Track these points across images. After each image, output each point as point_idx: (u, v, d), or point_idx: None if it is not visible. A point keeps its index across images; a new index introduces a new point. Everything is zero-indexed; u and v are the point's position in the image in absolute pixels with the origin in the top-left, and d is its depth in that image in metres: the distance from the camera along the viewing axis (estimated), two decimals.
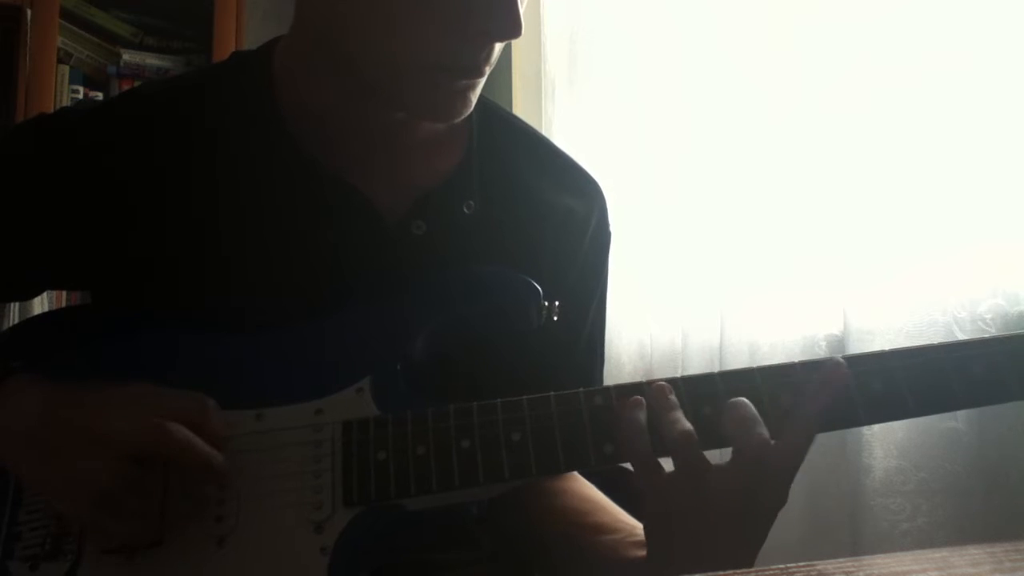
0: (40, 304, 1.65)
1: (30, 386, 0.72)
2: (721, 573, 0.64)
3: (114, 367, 0.77)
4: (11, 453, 0.71)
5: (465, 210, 0.85)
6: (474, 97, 0.79)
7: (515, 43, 0.79)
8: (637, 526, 0.82)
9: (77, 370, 0.75)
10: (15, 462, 0.71)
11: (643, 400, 0.67)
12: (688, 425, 0.66)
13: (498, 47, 0.77)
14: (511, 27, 0.73)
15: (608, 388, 0.70)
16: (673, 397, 0.67)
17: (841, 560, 0.58)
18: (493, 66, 0.78)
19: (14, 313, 1.63)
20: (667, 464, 0.68)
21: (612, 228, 0.98)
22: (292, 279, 0.81)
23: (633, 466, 0.67)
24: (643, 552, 0.73)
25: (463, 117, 0.79)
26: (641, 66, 1.86)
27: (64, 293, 1.84)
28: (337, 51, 0.78)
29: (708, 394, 0.68)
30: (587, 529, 0.83)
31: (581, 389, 0.70)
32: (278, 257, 0.81)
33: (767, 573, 0.54)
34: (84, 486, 0.66)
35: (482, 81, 0.78)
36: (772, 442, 0.65)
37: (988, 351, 0.68)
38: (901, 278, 1.45)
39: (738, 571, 0.57)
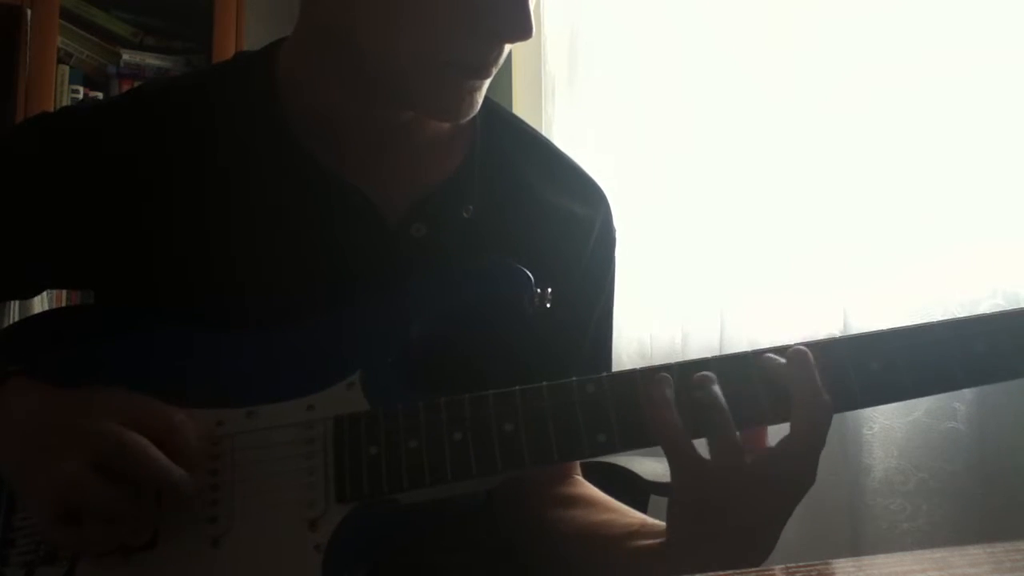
0: (40, 304, 1.65)
1: (22, 392, 0.72)
2: (722, 573, 0.64)
3: (110, 366, 0.77)
4: (3, 460, 0.71)
5: (464, 214, 0.85)
6: (480, 98, 0.79)
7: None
8: (646, 518, 0.81)
9: (74, 369, 0.75)
10: (6, 468, 0.71)
11: (670, 378, 0.67)
12: (724, 402, 0.65)
13: (505, 49, 0.77)
14: (521, 29, 0.73)
15: (600, 377, 0.69)
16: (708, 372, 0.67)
17: (841, 560, 0.57)
18: (499, 68, 0.78)
19: (14, 313, 1.64)
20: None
21: (617, 232, 0.97)
22: (292, 278, 0.81)
23: (666, 448, 0.66)
24: (658, 541, 0.72)
25: (469, 118, 0.79)
26: (641, 66, 1.86)
27: (64, 293, 1.84)
28: (345, 49, 0.78)
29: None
30: (598, 526, 0.83)
31: (574, 378, 0.69)
32: (279, 256, 0.81)
33: (767, 573, 0.54)
34: (51, 495, 0.65)
35: (487, 83, 0.79)
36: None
37: (989, 328, 0.67)
38: (901, 278, 1.45)
39: (738, 571, 0.57)
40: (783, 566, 0.56)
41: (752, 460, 0.65)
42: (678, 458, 0.66)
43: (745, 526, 0.66)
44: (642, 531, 0.77)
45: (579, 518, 0.85)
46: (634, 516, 0.82)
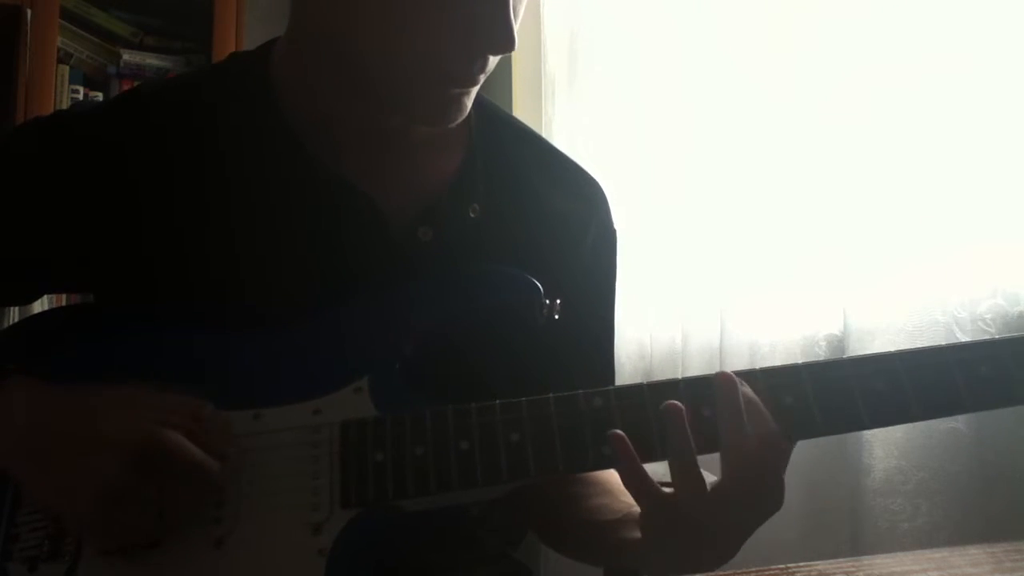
0: (40, 308, 1.65)
1: (26, 389, 0.72)
2: (721, 573, 0.64)
3: (113, 366, 0.77)
4: (8, 457, 0.71)
5: (471, 214, 0.85)
6: (469, 102, 0.79)
7: None
8: (632, 505, 0.81)
9: (75, 370, 0.75)
10: (12, 466, 0.71)
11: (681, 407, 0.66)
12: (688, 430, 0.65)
13: (491, 59, 0.77)
14: (503, 41, 0.73)
15: (608, 391, 0.69)
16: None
17: (841, 560, 0.58)
18: (488, 74, 0.79)
19: (14, 317, 1.63)
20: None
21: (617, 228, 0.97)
22: (294, 281, 0.81)
23: (676, 470, 0.66)
24: (636, 536, 0.72)
25: (457, 122, 0.80)
26: (641, 66, 1.86)
27: (64, 298, 1.83)
28: (332, 53, 0.78)
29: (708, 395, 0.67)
30: (593, 511, 0.83)
31: (580, 391, 0.70)
32: (281, 258, 0.81)
33: (767, 573, 0.54)
34: (83, 490, 0.66)
35: (476, 87, 0.79)
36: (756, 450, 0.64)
37: (994, 353, 0.67)
38: (901, 278, 1.45)
39: (739, 571, 0.57)
40: (782, 566, 0.56)
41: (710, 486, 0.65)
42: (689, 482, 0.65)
43: (708, 539, 0.66)
44: (627, 519, 0.76)
45: (577, 499, 0.85)
46: (623, 500, 0.81)
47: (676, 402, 0.65)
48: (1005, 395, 0.67)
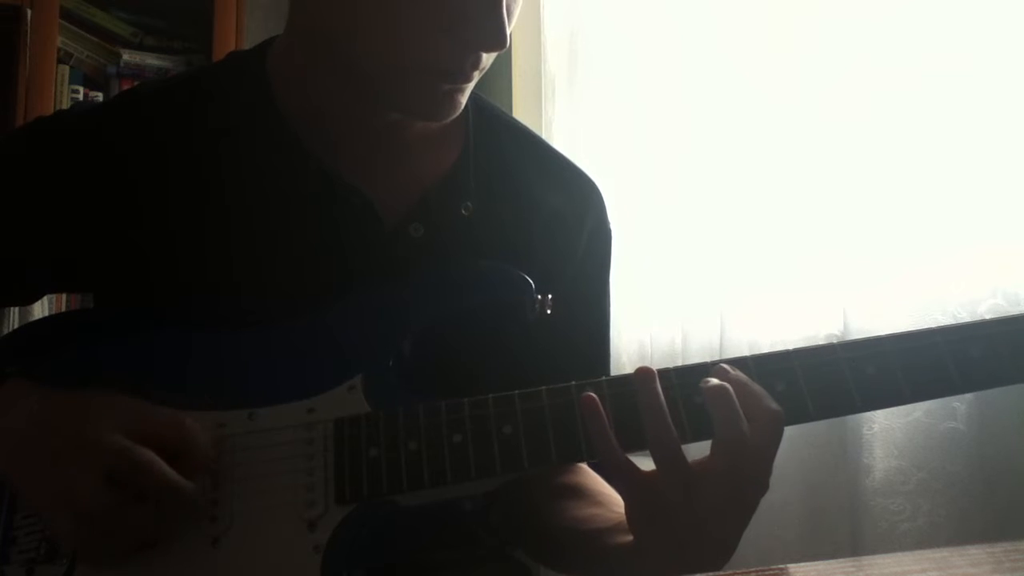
0: (40, 309, 1.65)
1: (23, 392, 0.72)
2: (721, 573, 0.64)
3: (109, 367, 0.77)
4: (5, 459, 0.71)
5: (463, 212, 0.85)
6: (463, 98, 0.80)
7: (515, 43, 0.79)
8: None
9: (74, 371, 0.75)
10: (9, 469, 0.71)
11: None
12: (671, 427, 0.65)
13: (484, 56, 0.77)
14: (495, 39, 0.74)
15: (600, 380, 0.70)
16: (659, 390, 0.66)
17: (841, 560, 0.57)
18: (484, 71, 0.79)
19: (14, 319, 1.64)
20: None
21: (612, 227, 0.97)
22: (291, 279, 0.81)
23: (656, 456, 0.66)
24: (630, 539, 0.72)
25: (452, 118, 0.80)
26: (641, 66, 1.86)
27: (64, 297, 1.83)
28: (329, 52, 0.79)
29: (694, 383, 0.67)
30: (583, 520, 0.83)
31: (573, 382, 0.70)
32: (278, 257, 0.81)
33: (767, 573, 0.54)
34: (62, 504, 0.66)
35: (471, 84, 0.79)
36: (748, 432, 0.64)
37: (986, 333, 0.67)
38: (901, 278, 1.45)
39: (738, 571, 0.57)
40: (782, 566, 0.56)
41: (693, 466, 0.65)
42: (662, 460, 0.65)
43: (696, 530, 0.65)
44: (619, 527, 0.76)
45: (569, 510, 0.85)
46: (616, 511, 0.81)
47: (592, 394, 0.66)
48: (996, 376, 0.67)
